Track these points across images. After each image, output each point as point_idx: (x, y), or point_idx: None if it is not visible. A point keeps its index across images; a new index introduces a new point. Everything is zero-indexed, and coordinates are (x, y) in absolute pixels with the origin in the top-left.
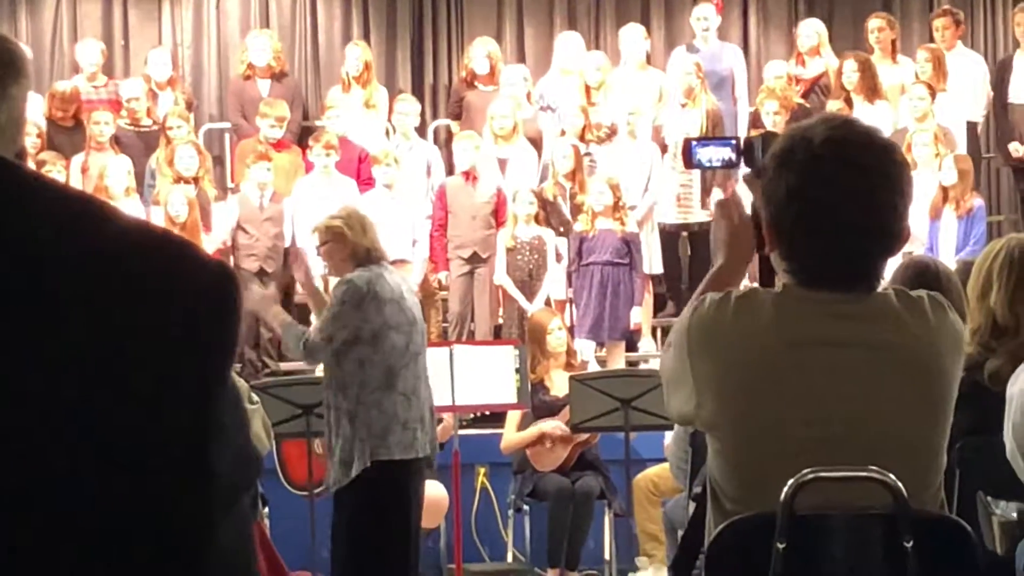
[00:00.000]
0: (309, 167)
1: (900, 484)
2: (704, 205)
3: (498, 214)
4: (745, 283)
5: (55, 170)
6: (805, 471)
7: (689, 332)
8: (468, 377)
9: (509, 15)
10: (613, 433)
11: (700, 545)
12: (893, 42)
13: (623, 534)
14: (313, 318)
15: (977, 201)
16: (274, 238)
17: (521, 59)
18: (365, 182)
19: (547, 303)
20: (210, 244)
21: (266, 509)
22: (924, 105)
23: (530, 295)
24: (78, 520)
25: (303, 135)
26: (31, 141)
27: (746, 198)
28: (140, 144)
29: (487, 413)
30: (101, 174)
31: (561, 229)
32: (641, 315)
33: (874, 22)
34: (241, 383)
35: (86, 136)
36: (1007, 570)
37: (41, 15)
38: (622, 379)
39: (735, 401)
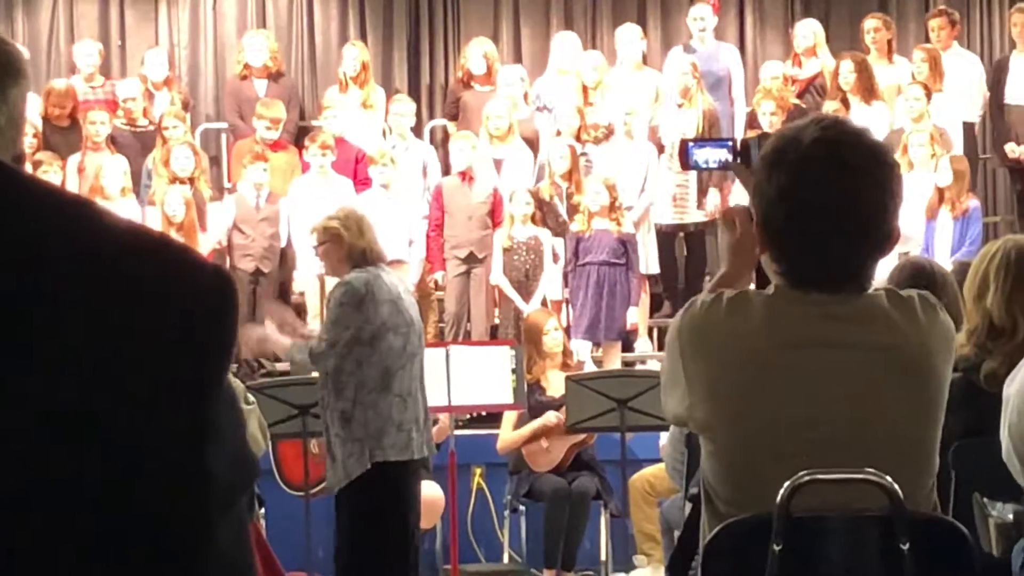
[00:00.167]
0: (306, 167)
1: (896, 486)
2: (700, 206)
3: (494, 214)
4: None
5: (51, 170)
6: (802, 473)
7: (680, 333)
8: (464, 377)
9: (506, 15)
10: (609, 433)
11: (696, 546)
12: (889, 42)
13: (619, 534)
14: (309, 319)
15: (973, 202)
16: (270, 238)
17: (517, 59)
18: (361, 182)
19: (543, 303)
20: (206, 244)
21: (262, 509)
22: (920, 106)
23: (526, 295)
24: (76, 522)
25: (300, 135)
26: (27, 141)
27: (745, 199)
28: (136, 144)
29: (483, 413)
30: (97, 174)
31: (558, 229)
32: (637, 315)
33: (870, 22)
34: (237, 384)
35: (82, 136)
36: (1003, 571)
37: (38, 15)
38: (618, 379)
39: (727, 403)
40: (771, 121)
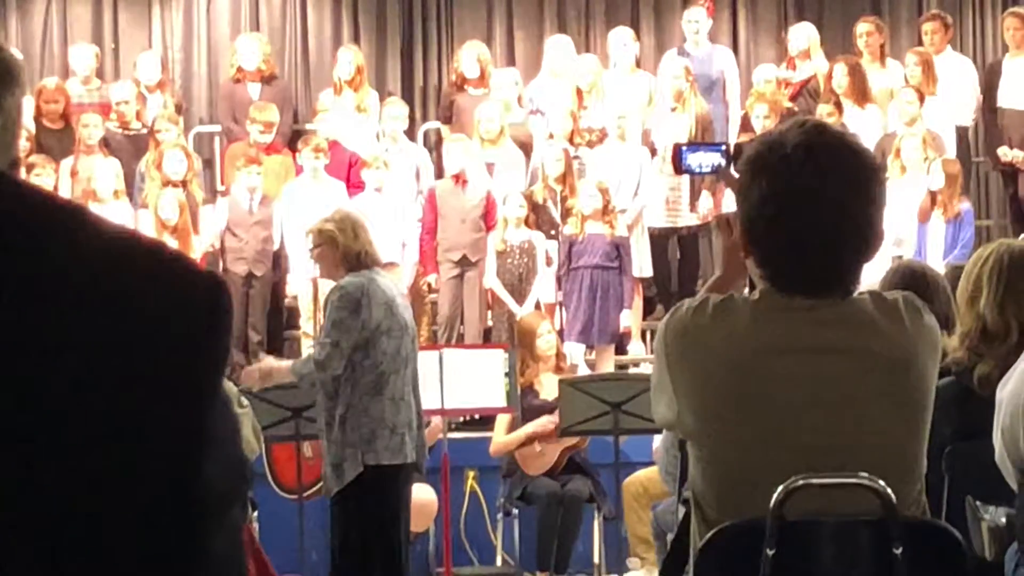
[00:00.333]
0: (299, 170)
1: (890, 490)
2: (693, 209)
3: (487, 217)
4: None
5: (44, 173)
6: (795, 477)
7: (666, 337)
8: (458, 381)
9: (499, 18)
10: (603, 436)
11: (689, 550)
12: (882, 46)
13: (612, 538)
14: (302, 322)
15: (965, 205)
16: (263, 241)
17: (511, 62)
18: (355, 185)
19: (537, 306)
20: (199, 247)
21: (255, 513)
22: (913, 109)
23: (520, 298)
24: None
25: (293, 138)
26: (21, 144)
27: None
28: (129, 147)
29: (477, 417)
30: (89, 177)
31: (552, 232)
32: (631, 318)
33: (862, 26)
34: (230, 387)
35: (75, 139)
36: (996, 575)
37: (31, 18)
38: (612, 383)
39: (713, 408)
40: (764, 124)
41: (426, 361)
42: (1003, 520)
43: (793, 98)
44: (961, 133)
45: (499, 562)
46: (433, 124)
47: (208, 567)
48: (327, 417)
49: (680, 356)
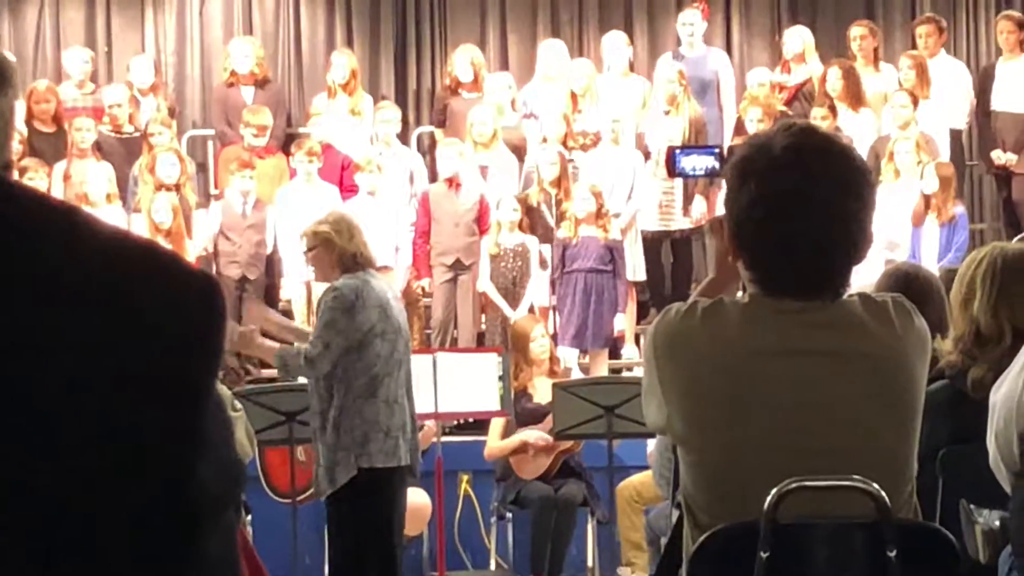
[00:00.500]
0: (293, 174)
1: (884, 493)
2: (686, 213)
3: (481, 221)
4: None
5: (37, 177)
6: (789, 480)
7: (656, 341)
8: (451, 384)
9: (492, 22)
10: (596, 440)
11: (682, 554)
12: (875, 50)
13: (606, 541)
14: (296, 321)
15: (959, 209)
16: (257, 245)
17: (504, 66)
18: (348, 189)
19: (531, 310)
20: (192, 251)
21: (249, 516)
22: (907, 113)
23: (513, 302)
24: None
25: (287, 142)
26: (14, 148)
27: None
28: (122, 151)
29: (470, 420)
30: (82, 181)
31: (546, 236)
32: (624, 322)
33: (856, 30)
34: (224, 391)
35: (67, 142)
36: None
37: (24, 22)
38: (605, 386)
39: (702, 412)
40: (758, 128)
41: (420, 365)
42: (997, 523)
43: (788, 102)
44: (955, 136)
45: (493, 566)
46: (426, 128)
47: (202, 569)
48: (320, 420)
49: (669, 360)
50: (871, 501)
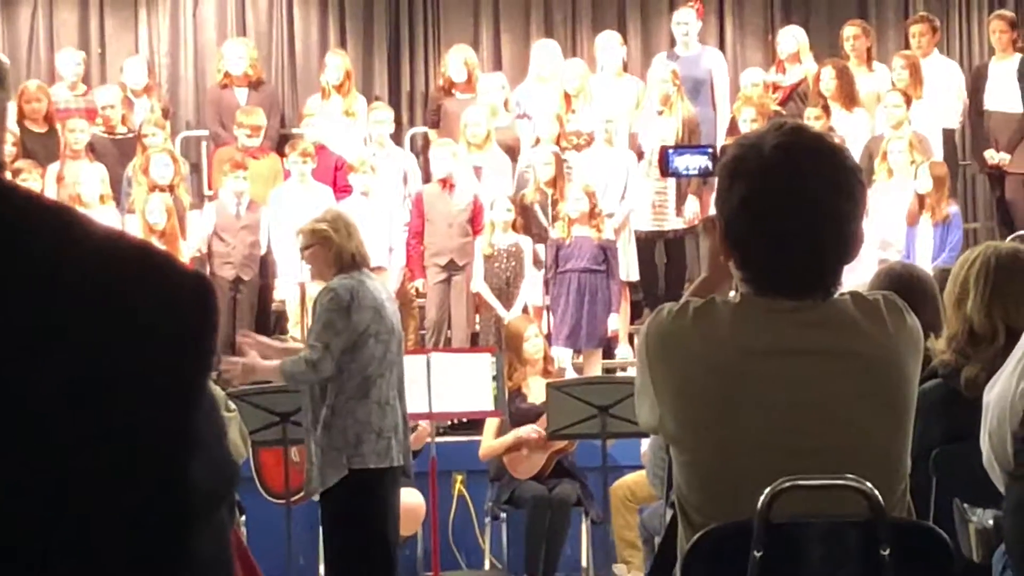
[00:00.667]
0: (287, 175)
1: (877, 492)
2: (679, 213)
3: (475, 222)
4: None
5: (31, 178)
6: (782, 479)
7: (648, 341)
8: (445, 384)
9: (486, 22)
10: (590, 440)
11: (676, 553)
12: (868, 50)
13: (600, 541)
14: (290, 327)
15: (953, 208)
16: (250, 246)
17: (498, 67)
18: (342, 190)
19: (524, 311)
20: (186, 252)
21: (243, 517)
22: (900, 113)
23: (507, 303)
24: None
25: (281, 143)
26: (7, 150)
27: None
28: (115, 152)
29: (464, 420)
30: (76, 182)
31: (539, 237)
32: (618, 322)
33: (849, 30)
34: (218, 391)
35: (60, 142)
36: None
37: (17, 23)
38: (599, 386)
39: (694, 412)
40: (751, 128)
41: (413, 365)
42: (990, 522)
43: (783, 102)
44: (948, 136)
45: (487, 566)
46: (420, 128)
47: (195, 568)
48: (312, 419)
49: (661, 360)
50: (864, 500)
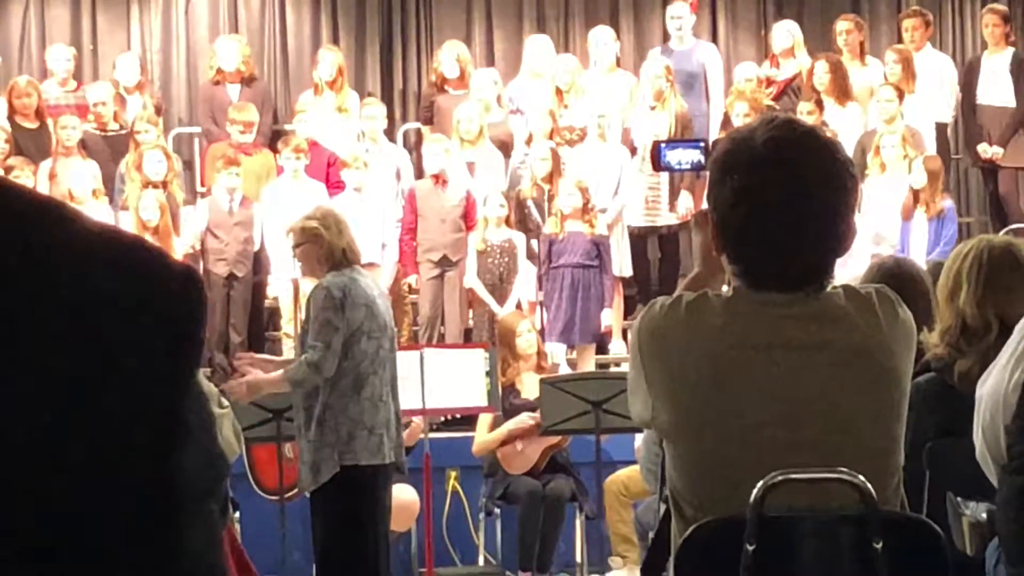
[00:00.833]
0: (280, 171)
1: (869, 485)
2: (672, 208)
3: (467, 217)
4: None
5: (23, 175)
6: (775, 473)
7: (640, 336)
8: (438, 380)
9: (478, 18)
10: (584, 436)
11: (670, 547)
12: (861, 44)
13: (594, 537)
14: (283, 323)
15: (947, 202)
16: (244, 242)
17: (490, 62)
18: (334, 185)
19: (518, 306)
20: (180, 248)
21: (237, 513)
22: (892, 107)
23: (500, 298)
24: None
25: (274, 139)
26: (0, 147)
27: None
28: (107, 149)
29: (458, 416)
30: (68, 179)
31: (533, 233)
32: (611, 317)
33: (842, 24)
34: (211, 387)
35: (51, 138)
36: (977, 571)
37: (9, 20)
38: (592, 381)
39: (687, 405)
40: (744, 123)
41: (407, 361)
42: (984, 516)
43: (777, 97)
44: (940, 130)
45: (481, 562)
46: (413, 124)
47: (183, 562)
48: (304, 416)
49: (654, 354)
50: (857, 493)
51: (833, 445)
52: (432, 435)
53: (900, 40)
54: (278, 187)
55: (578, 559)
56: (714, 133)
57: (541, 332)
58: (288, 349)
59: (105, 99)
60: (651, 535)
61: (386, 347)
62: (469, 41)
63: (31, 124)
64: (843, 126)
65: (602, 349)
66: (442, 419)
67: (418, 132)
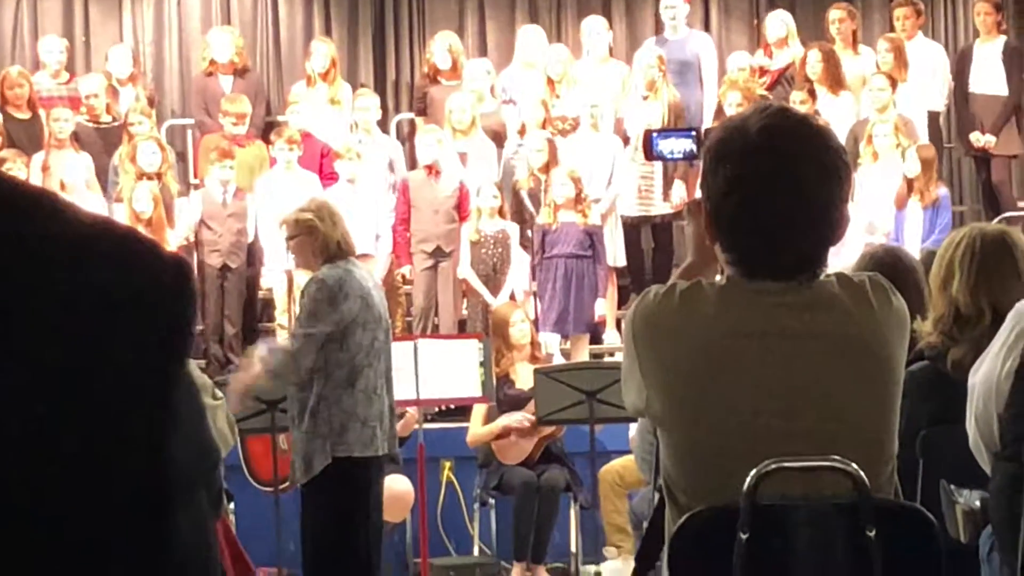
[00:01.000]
0: (273, 162)
1: (862, 473)
2: (666, 198)
3: (461, 208)
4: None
5: (15, 168)
6: (768, 461)
7: (634, 324)
8: (432, 371)
9: (471, 9)
10: (578, 425)
11: (664, 536)
12: (854, 33)
13: (589, 527)
14: (277, 315)
15: (942, 191)
16: (237, 234)
17: (483, 53)
18: (327, 177)
19: (512, 297)
20: (174, 240)
21: (231, 505)
22: (885, 96)
23: (494, 289)
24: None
25: (267, 130)
26: None
27: None
28: (99, 141)
29: (452, 407)
30: (61, 172)
31: (528, 223)
32: (605, 307)
33: (834, 13)
34: (205, 379)
35: (43, 129)
36: (970, 558)
37: (1, 12)
38: (587, 371)
39: (681, 394)
40: (737, 112)
41: (401, 352)
42: (977, 503)
43: (770, 87)
44: (933, 119)
45: (476, 552)
46: (406, 115)
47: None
48: (298, 408)
49: (648, 343)
50: (850, 481)
51: (827, 433)
52: (426, 425)
53: (892, 29)
54: (271, 178)
55: (573, 549)
56: (707, 123)
57: (535, 322)
58: (282, 341)
59: (97, 91)
60: (645, 525)
61: (381, 339)
62: (462, 32)
63: (23, 115)
64: (836, 115)
65: (596, 339)
66: (436, 409)
67: (411, 123)
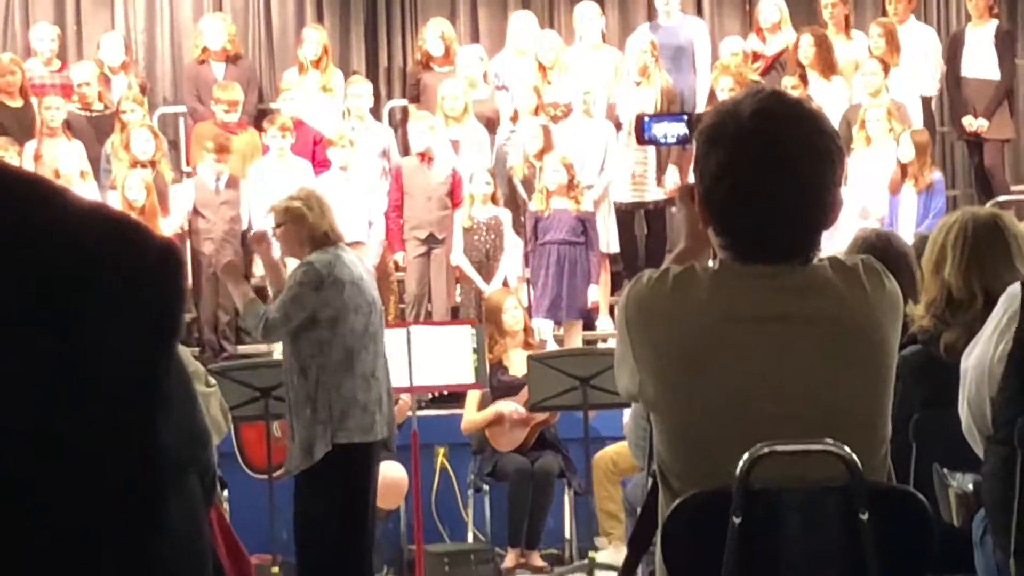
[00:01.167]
0: (266, 149)
1: (855, 456)
2: (659, 183)
3: (453, 195)
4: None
5: (8, 156)
6: (760, 445)
7: (627, 308)
8: (426, 357)
9: None
10: (572, 412)
11: (657, 521)
12: (846, 17)
13: (583, 513)
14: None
15: (936, 175)
16: (231, 222)
17: (475, 39)
18: (320, 164)
19: (505, 284)
20: (167, 228)
21: (225, 492)
22: (877, 80)
23: (487, 275)
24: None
25: (259, 118)
26: None
27: None
28: (91, 129)
29: (446, 393)
30: (54, 160)
31: (521, 210)
32: (598, 293)
33: None
34: (197, 366)
35: (35, 116)
36: (963, 542)
37: None
38: (580, 357)
39: (674, 378)
40: (730, 97)
41: (394, 338)
42: (970, 487)
43: (764, 72)
44: (925, 103)
45: (470, 538)
46: (398, 102)
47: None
48: (296, 396)
49: (641, 327)
50: (843, 465)
51: (820, 417)
52: (420, 412)
53: (884, 13)
54: (264, 166)
55: (567, 535)
56: (700, 108)
57: (528, 309)
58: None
59: (89, 79)
60: (639, 511)
61: (375, 322)
62: (454, 18)
63: (15, 103)
64: (828, 100)
65: (589, 325)
66: (430, 396)
67: (404, 110)
